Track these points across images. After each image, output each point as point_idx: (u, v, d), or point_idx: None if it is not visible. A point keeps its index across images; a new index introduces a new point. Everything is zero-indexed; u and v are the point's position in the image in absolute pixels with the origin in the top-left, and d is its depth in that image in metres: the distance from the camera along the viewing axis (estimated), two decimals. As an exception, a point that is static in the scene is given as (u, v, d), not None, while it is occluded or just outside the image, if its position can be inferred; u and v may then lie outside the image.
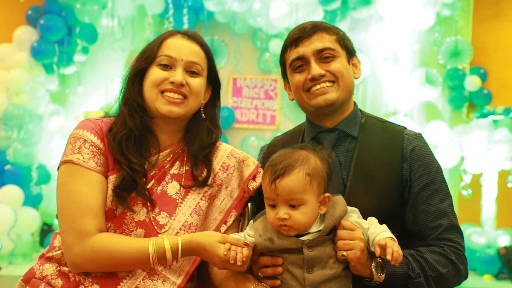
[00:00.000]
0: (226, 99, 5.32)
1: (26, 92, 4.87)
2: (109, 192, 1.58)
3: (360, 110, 1.87)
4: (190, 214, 1.66)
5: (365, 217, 1.57)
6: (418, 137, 1.77)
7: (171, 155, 1.70)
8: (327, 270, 1.49)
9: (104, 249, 1.51)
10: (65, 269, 1.57)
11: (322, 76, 1.74)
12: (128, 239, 1.55)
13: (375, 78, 5.13)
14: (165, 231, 1.61)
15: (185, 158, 1.71)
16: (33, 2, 5.09)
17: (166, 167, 1.68)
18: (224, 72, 5.20)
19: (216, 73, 1.77)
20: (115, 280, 1.54)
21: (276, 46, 4.98)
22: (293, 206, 1.47)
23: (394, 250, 1.41)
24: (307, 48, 1.75)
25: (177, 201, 1.66)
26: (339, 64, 1.75)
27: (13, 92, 4.86)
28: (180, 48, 1.66)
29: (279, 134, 2.10)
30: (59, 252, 1.60)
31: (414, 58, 5.08)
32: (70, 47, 5.06)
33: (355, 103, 1.86)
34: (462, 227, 1.74)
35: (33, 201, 4.83)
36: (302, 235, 1.50)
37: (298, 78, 1.77)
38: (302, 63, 1.77)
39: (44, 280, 1.57)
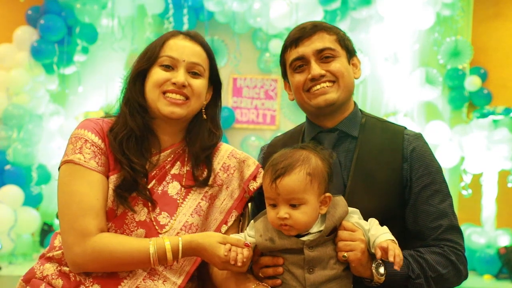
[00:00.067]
0: (226, 99, 5.33)
1: (26, 92, 4.87)
2: (110, 192, 1.58)
3: (360, 110, 1.87)
4: (191, 214, 1.66)
5: (365, 217, 1.57)
6: (419, 137, 1.77)
7: (172, 156, 1.70)
8: (327, 271, 1.49)
9: (105, 249, 1.51)
10: (66, 269, 1.57)
11: (322, 76, 1.73)
12: (128, 239, 1.55)
13: (375, 78, 5.13)
14: (166, 231, 1.61)
15: (186, 159, 1.72)
16: (33, 2, 5.09)
17: (167, 167, 1.68)
18: (224, 72, 5.20)
19: (218, 73, 1.77)
20: (115, 280, 1.55)
21: (276, 46, 4.98)
22: (293, 206, 1.48)
23: (396, 253, 1.41)
24: (307, 48, 1.75)
25: (178, 201, 1.66)
26: (339, 64, 1.75)
27: (13, 92, 4.86)
28: (182, 49, 1.66)
29: (279, 134, 2.10)
30: (59, 252, 1.60)
31: (414, 58, 5.08)
32: (70, 47, 5.06)
33: (355, 103, 1.86)
34: (462, 227, 1.74)
35: (33, 201, 4.83)
36: (303, 236, 1.50)
37: (298, 78, 1.77)
38: (302, 63, 1.77)
39: (45, 280, 1.57)
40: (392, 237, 1.49)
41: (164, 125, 1.68)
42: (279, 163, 1.50)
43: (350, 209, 1.56)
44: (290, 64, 1.79)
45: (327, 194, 1.51)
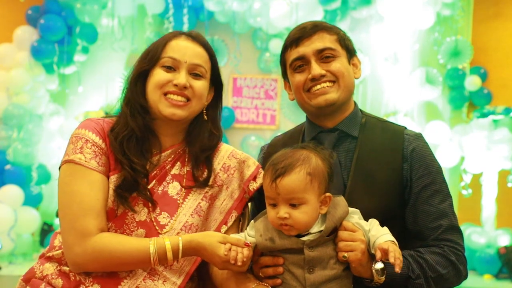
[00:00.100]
0: (226, 99, 5.33)
1: (26, 92, 4.87)
2: (110, 192, 1.57)
3: (361, 110, 1.87)
4: (191, 215, 1.66)
5: (365, 217, 1.57)
6: (419, 137, 1.77)
7: (172, 156, 1.70)
8: (327, 271, 1.49)
9: (105, 249, 1.51)
10: (66, 268, 1.57)
11: (323, 76, 1.73)
12: (129, 239, 1.55)
13: (375, 78, 5.13)
14: (166, 232, 1.61)
15: (186, 159, 1.71)
16: (33, 2, 5.09)
17: (167, 168, 1.68)
18: (224, 72, 5.15)
19: (219, 74, 1.76)
20: (115, 280, 1.55)
21: (276, 46, 4.98)
22: (293, 206, 1.48)
23: (396, 256, 1.41)
24: (307, 48, 1.75)
25: (178, 201, 1.66)
26: (339, 64, 1.75)
27: (13, 92, 4.86)
28: (184, 50, 1.66)
29: (279, 134, 2.10)
30: (59, 251, 1.60)
31: (414, 58, 5.08)
32: (70, 47, 5.07)
33: (355, 103, 1.86)
34: (462, 227, 1.74)
35: (33, 201, 4.83)
36: (303, 235, 1.50)
37: (298, 78, 1.77)
38: (302, 63, 1.76)
39: (45, 279, 1.57)
40: (393, 238, 1.49)
41: (165, 126, 1.68)
42: (279, 163, 1.50)
43: (351, 209, 1.56)
44: (290, 64, 1.79)
45: (327, 194, 1.51)
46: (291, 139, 1.90)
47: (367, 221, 1.56)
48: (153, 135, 1.68)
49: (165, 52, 1.66)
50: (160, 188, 1.65)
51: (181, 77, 1.63)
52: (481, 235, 4.65)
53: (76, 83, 5.22)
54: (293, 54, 1.77)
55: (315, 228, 1.51)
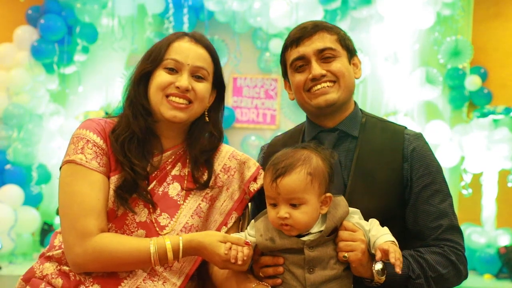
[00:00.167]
0: (226, 98, 5.29)
1: (26, 91, 4.88)
2: (111, 192, 1.57)
3: (361, 110, 1.87)
4: (191, 216, 1.66)
5: (365, 217, 1.57)
6: (419, 137, 1.77)
7: (173, 157, 1.70)
8: (328, 271, 1.49)
9: (106, 249, 1.51)
10: (66, 268, 1.57)
11: (323, 76, 1.73)
12: (129, 239, 1.55)
13: (375, 78, 5.14)
14: (167, 233, 1.61)
15: (187, 160, 1.71)
16: (33, 2, 5.10)
17: (167, 168, 1.68)
18: (224, 71, 5.18)
19: (222, 76, 1.76)
20: (116, 280, 1.54)
21: (276, 45, 4.98)
22: (294, 206, 1.47)
23: (396, 256, 1.41)
24: (308, 48, 1.75)
25: (178, 202, 1.66)
26: (340, 64, 1.75)
27: (13, 92, 4.86)
28: (187, 52, 1.65)
29: (279, 133, 2.10)
30: (59, 251, 1.60)
31: (414, 58, 5.08)
32: (70, 47, 5.07)
33: (355, 103, 1.86)
34: (462, 227, 1.74)
35: (33, 200, 4.83)
36: (303, 235, 1.50)
37: (298, 78, 1.77)
38: (303, 63, 1.76)
39: (44, 279, 1.57)
40: (393, 238, 1.49)
41: (166, 127, 1.68)
42: (280, 163, 1.50)
43: (351, 209, 1.56)
44: (290, 64, 1.79)
45: (328, 194, 1.51)
46: (291, 139, 1.90)
47: (367, 221, 1.56)
48: (155, 136, 1.67)
49: (168, 54, 1.65)
50: (160, 189, 1.65)
51: (183, 80, 1.63)
52: (481, 235, 4.65)
53: (76, 83, 5.22)
54: (294, 54, 1.77)
55: (316, 228, 1.51)
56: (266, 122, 5.40)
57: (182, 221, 1.64)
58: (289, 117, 5.32)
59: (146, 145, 1.65)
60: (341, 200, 1.56)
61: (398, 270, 1.40)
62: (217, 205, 1.71)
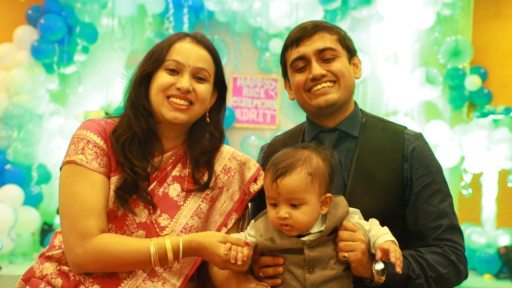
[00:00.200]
0: (227, 98, 5.32)
1: (26, 91, 4.88)
2: (111, 193, 1.57)
3: (361, 110, 1.87)
4: (191, 217, 1.66)
5: (365, 217, 1.57)
6: (419, 137, 1.77)
7: (173, 157, 1.70)
8: (328, 271, 1.49)
9: (106, 249, 1.51)
10: (65, 268, 1.57)
11: (323, 76, 1.73)
12: (129, 240, 1.55)
13: (375, 78, 5.14)
14: (167, 234, 1.61)
15: (187, 161, 1.71)
16: (33, 2, 5.10)
17: (168, 169, 1.68)
18: (224, 71, 5.20)
19: (223, 77, 1.76)
20: (115, 280, 1.54)
21: (276, 45, 4.99)
22: (294, 206, 1.47)
23: (396, 256, 1.41)
24: (308, 48, 1.74)
25: (179, 203, 1.66)
26: (340, 64, 1.75)
27: (13, 92, 4.87)
28: (189, 53, 1.65)
29: (279, 133, 2.10)
30: (59, 251, 1.60)
31: (414, 58, 5.08)
32: (70, 47, 5.07)
33: (355, 103, 1.86)
34: (462, 227, 1.74)
35: (33, 200, 4.83)
36: (303, 236, 1.50)
37: (299, 78, 1.77)
38: (303, 63, 1.76)
39: (44, 279, 1.57)
40: (393, 238, 1.49)
41: (167, 129, 1.68)
42: (280, 163, 1.50)
43: (351, 209, 1.56)
44: (291, 64, 1.79)
45: (328, 194, 1.51)
46: (291, 138, 1.90)
47: (367, 221, 1.56)
48: (155, 137, 1.67)
49: (170, 55, 1.65)
50: (161, 190, 1.65)
51: (184, 81, 1.63)
52: (481, 235, 4.66)
53: (76, 83, 5.22)
54: (294, 54, 1.77)
55: (315, 228, 1.51)
56: (266, 122, 5.40)
57: (182, 222, 1.64)
58: (289, 117, 5.32)
59: (147, 146, 1.64)
60: (341, 200, 1.56)
61: (398, 269, 1.40)
62: (217, 206, 1.71)
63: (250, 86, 5.42)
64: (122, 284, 1.54)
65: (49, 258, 1.62)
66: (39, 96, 5.00)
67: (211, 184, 1.70)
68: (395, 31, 4.93)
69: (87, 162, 1.56)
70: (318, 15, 4.81)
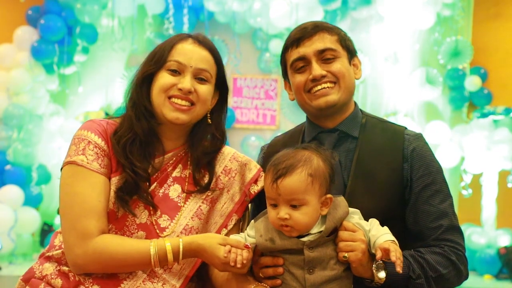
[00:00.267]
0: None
1: (26, 92, 4.88)
2: (111, 194, 1.57)
3: (361, 110, 1.86)
4: (191, 218, 1.65)
5: (365, 217, 1.57)
6: (419, 137, 1.77)
7: (174, 158, 1.70)
8: (328, 271, 1.49)
9: (106, 250, 1.51)
10: (65, 268, 1.57)
11: (323, 76, 1.73)
12: (129, 241, 1.55)
13: (375, 78, 5.14)
14: (167, 235, 1.61)
15: (188, 162, 1.71)
16: (33, 2, 5.10)
17: (168, 170, 1.68)
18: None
19: (225, 78, 1.75)
20: (115, 281, 1.54)
21: (276, 46, 4.99)
22: (294, 206, 1.47)
23: (396, 256, 1.41)
24: (308, 49, 1.74)
25: (179, 204, 1.66)
26: (340, 64, 1.75)
27: (13, 92, 4.87)
28: (190, 54, 1.65)
29: (279, 134, 2.10)
30: (59, 251, 1.60)
31: (414, 58, 5.09)
32: (70, 47, 5.07)
33: (355, 103, 1.86)
34: (462, 227, 1.74)
35: (33, 201, 4.83)
36: (303, 236, 1.50)
37: (299, 78, 1.77)
38: (303, 63, 1.76)
39: (44, 279, 1.57)
40: (393, 238, 1.49)
41: (168, 129, 1.67)
42: (280, 163, 1.50)
43: (351, 209, 1.56)
44: (291, 65, 1.79)
45: (328, 195, 1.51)
46: (291, 139, 1.90)
47: (367, 221, 1.56)
48: (156, 138, 1.67)
49: (171, 56, 1.65)
50: (161, 191, 1.65)
51: (186, 82, 1.63)
52: (481, 235, 4.66)
53: (76, 83, 5.22)
54: (294, 54, 1.77)
55: (315, 229, 1.50)
56: (266, 122, 5.40)
57: (182, 223, 1.64)
58: (289, 117, 5.32)
59: (148, 146, 1.64)
60: (341, 200, 1.56)
61: (398, 269, 1.40)
62: (217, 207, 1.71)
63: (250, 86, 5.43)
64: (122, 285, 1.54)
65: (49, 259, 1.62)
66: (39, 96, 5.00)
67: (211, 185, 1.70)
68: (395, 32, 4.93)
69: (87, 163, 1.56)
70: (318, 16, 4.81)
